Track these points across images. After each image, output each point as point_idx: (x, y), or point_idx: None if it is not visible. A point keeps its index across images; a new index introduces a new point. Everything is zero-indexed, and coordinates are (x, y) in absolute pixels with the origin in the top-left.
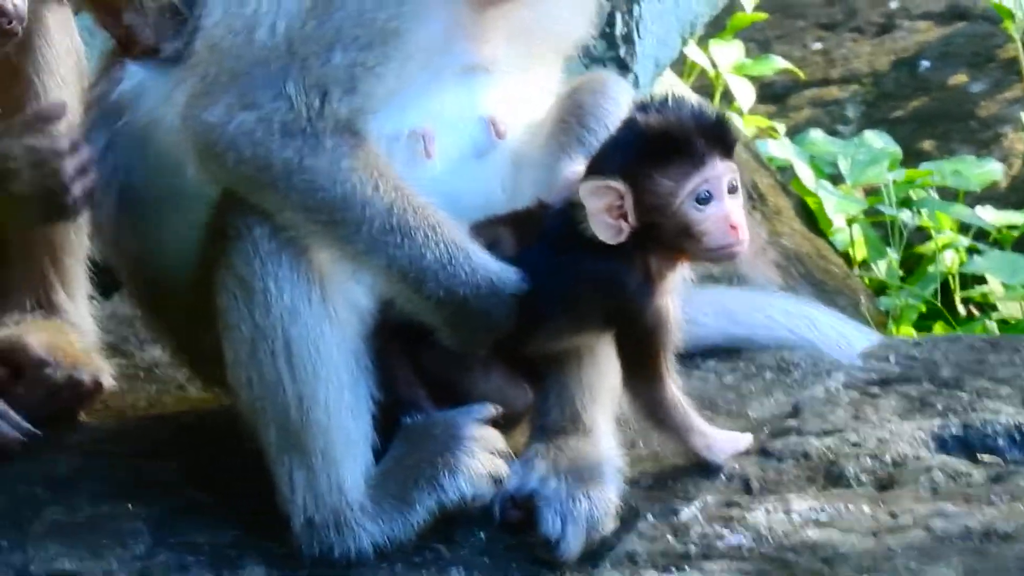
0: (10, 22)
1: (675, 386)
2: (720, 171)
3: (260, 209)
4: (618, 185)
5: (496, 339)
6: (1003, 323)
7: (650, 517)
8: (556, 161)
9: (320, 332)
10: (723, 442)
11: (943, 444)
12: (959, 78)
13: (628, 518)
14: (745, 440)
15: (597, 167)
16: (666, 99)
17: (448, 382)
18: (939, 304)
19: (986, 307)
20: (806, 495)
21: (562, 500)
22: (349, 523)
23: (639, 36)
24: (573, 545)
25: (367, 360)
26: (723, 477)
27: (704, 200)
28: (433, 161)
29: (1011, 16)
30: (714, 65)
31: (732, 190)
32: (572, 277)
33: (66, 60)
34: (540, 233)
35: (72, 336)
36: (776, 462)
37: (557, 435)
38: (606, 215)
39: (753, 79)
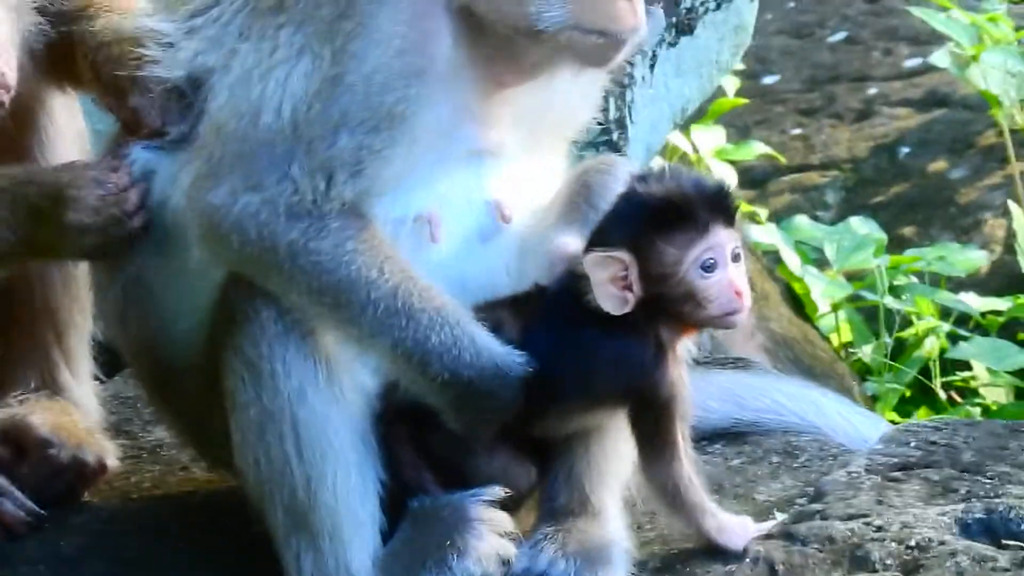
0: None
1: (691, 464)
2: (723, 239)
3: (267, 291)
4: (623, 255)
5: (503, 422)
6: (985, 409)
7: None
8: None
9: (327, 413)
10: (735, 527)
11: (967, 529)
12: (939, 164)
13: None
14: (757, 527)
15: (599, 239)
16: (664, 169)
17: (453, 464)
18: (930, 386)
19: (967, 392)
20: None
21: None
22: None
23: (631, 121)
24: None
25: (374, 441)
26: (748, 561)
27: (709, 268)
28: (439, 245)
29: (998, 103)
30: (695, 149)
31: (735, 258)
32: (584, 355)
33: (69, 141)
34: (542, 313)
35: (76, 416)
36: (801, 546)
37: (566, 517)
38: (611, 286)
39: (734, 164)
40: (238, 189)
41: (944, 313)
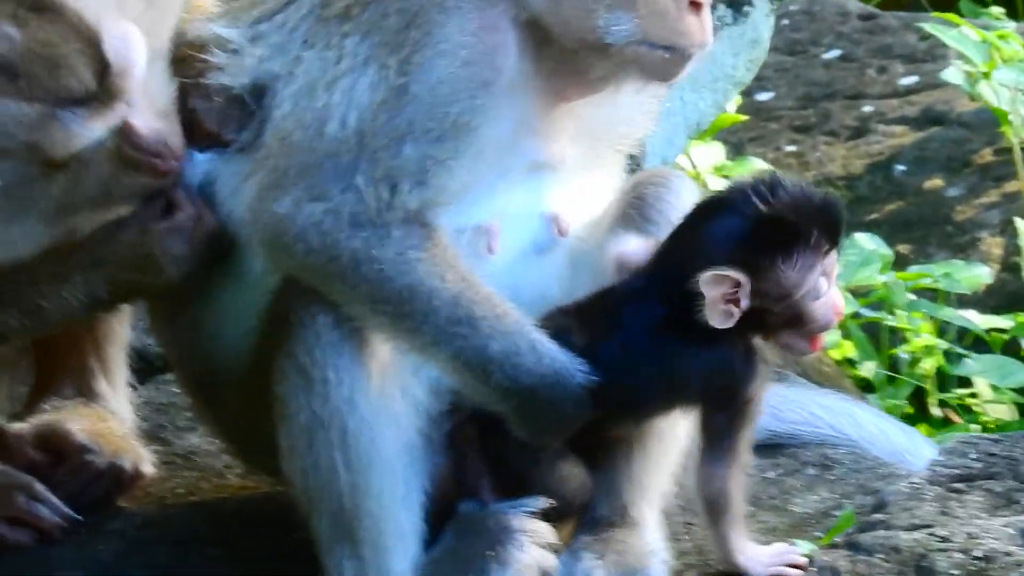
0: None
1: (743, 476)
2: (834, 260)
3: (324, 298)
4: (738, 276)
5: (568, 433)
6: (983, 427)
7: None
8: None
9: (377, 424)
10: (759, 553)
11: None
12: (935, 182)
13: None
14: (781, 556)
15: (706, 254)
16: (776, 184)
17: (516, 473)
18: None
19: (961, 411)
20: None
21: None
22: None
23: (648, 134)
24: None
25: (421, 452)
26: (815, 570)
27: (819, 290)
28: (495, 256)
29: (1007, 119)
30: (694, 166)
31: (835, 273)
32: (673, 364)
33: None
34: (615, 320)
35: (113, 423)
36: (866, 555)
37: (604, 527)
38: (721, 303)
39: (732, 180)
40: (303, 199)
41: (941, 331)
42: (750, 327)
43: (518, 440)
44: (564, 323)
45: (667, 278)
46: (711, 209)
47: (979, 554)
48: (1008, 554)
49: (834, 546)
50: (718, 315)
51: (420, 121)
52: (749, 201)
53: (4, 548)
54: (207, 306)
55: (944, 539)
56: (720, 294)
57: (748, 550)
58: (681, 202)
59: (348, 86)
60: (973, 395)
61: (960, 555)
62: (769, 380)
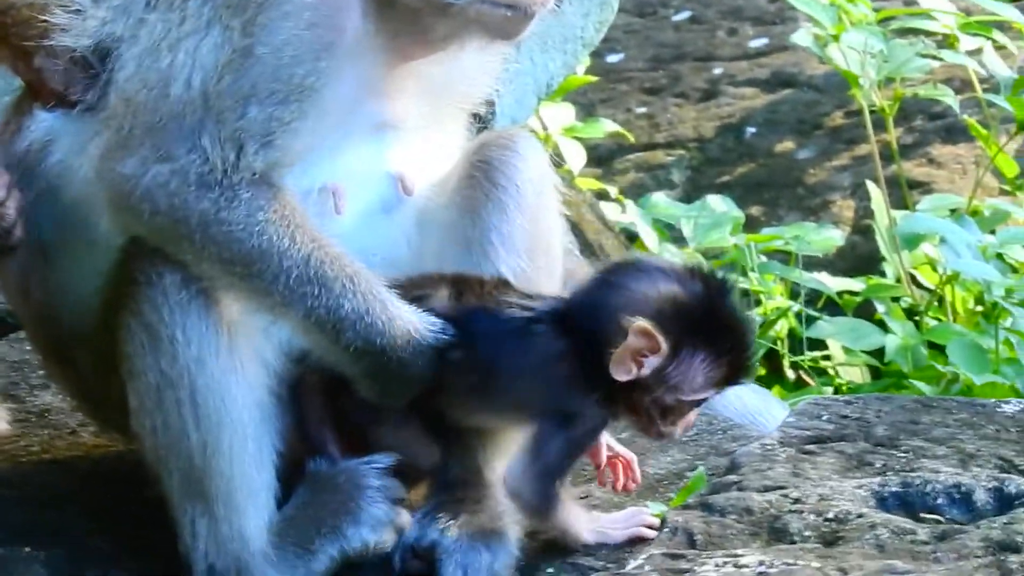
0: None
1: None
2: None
3: (172, 257)
4: (664, 345)
5: (414, 393)
6: (836, 389)
7: (562, 571)
8: (463, 218)
9: (226, 383)
10: (608, 522)
11: (883, 502)
12: (786, 145)
13: (528, 570)
14: (634, 521)
15: (653, 311)
16: (741, 306)
17: (360, 430)
18: (781, 367)
19: (817, 372)
20: (752, 550)
21: (463, 552)
22: (251, 570)
23: (497, 95)
24: None
25: (272, 411)
26: (667, 530)
27: (695, 407)
28: (342, 217)
29: (857, 82)
30: (544, 127)
31: None
32: (533, 368)
33: None
34: (497, 309)
35: None
36: (720, 516)
37: (459, 488)
38: (630, 357)
39: (582, 141)
40: (148, 160)
41: (793, 294)
42: (626, 388)
43: (362, 399)
44: (433, 287)
45: (590, 304)
46: (675, 276)
47: (831, 515)
48: (861, 515)
49: (687, 507)
50: (620, 364)
51: (264, 83)
52: (720, 292)
53: None
54: (55, 266)
55: (797, 500)
56: (637, 348)
57: (594, 524)
58: (528, 165)
59: (192, 47)
60: (827, 357)
61: (813, 516)
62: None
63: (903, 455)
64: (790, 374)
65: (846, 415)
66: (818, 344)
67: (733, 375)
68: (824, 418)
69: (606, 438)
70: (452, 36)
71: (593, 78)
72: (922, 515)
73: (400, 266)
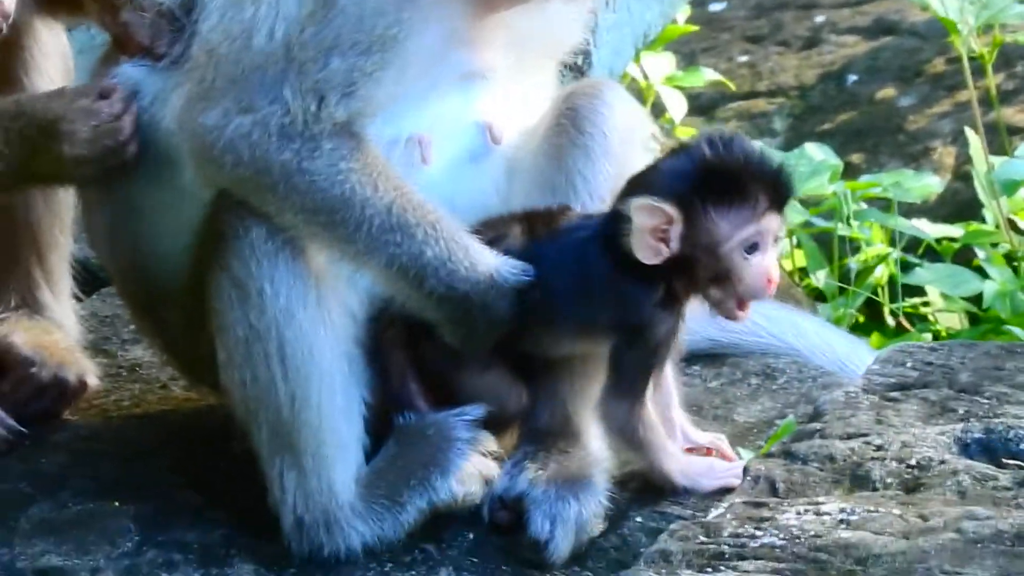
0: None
1: (653, 407)
2: (773, 224)
3: (258, 210)
4: (672, 211)
5: (499, 337)
6: (935, 335)
7: (650, 520)
8: (550, 165)
9: (314, 334)
10: (698, 470)
11: (966, 448)
12: (887, 92)
13: (617, 520)
14: (728, 473)
15: (647, 185)
16: (734, 139)
17: (444, 380)
18: (881, 313)
19: (916, 319)
20: (834, 497)
21: (551, 502)
22: (339, 523)
23: (595, 46)
24: (562, 547)
25: (360, 362)
26: (749, 479)
27: (751, 250)
28: (430, 167)
29: (956, 29)
30: (646, 76)
31: (776, 241)
32: (591, 287)
33: (54, 60)
34: (557, 235)
35: (57, 335)
36: (802, 464)
37: (547, 438)
38: (650, 235)
39: (683, 90)
40: (231, 111)
41: (894, 240)
42: (677, 274)
43: (445, 347)
44: (507, 227)
45: (613, 207)
46: (671, 152)
47: (913, 462)
48: (943, 462)
49: (770, 456)
50: (644, 247)
51: (347, 33)
52: (700, 148)
53: None
54: (143, 221)
55: (879, 448)
56: (650, 226)
57: (687, 468)
58: (614, 113)
59: None
60: (926, 304)
61: (895, 463)
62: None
63: (986, 401)
64: (890, 321)
65: (930, 362)
66: (918, 291)
67: (764, 201)
68: (908, 365)
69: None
70: None
71: (694, 27)
72: (1005, 461)
73: (489, 213)
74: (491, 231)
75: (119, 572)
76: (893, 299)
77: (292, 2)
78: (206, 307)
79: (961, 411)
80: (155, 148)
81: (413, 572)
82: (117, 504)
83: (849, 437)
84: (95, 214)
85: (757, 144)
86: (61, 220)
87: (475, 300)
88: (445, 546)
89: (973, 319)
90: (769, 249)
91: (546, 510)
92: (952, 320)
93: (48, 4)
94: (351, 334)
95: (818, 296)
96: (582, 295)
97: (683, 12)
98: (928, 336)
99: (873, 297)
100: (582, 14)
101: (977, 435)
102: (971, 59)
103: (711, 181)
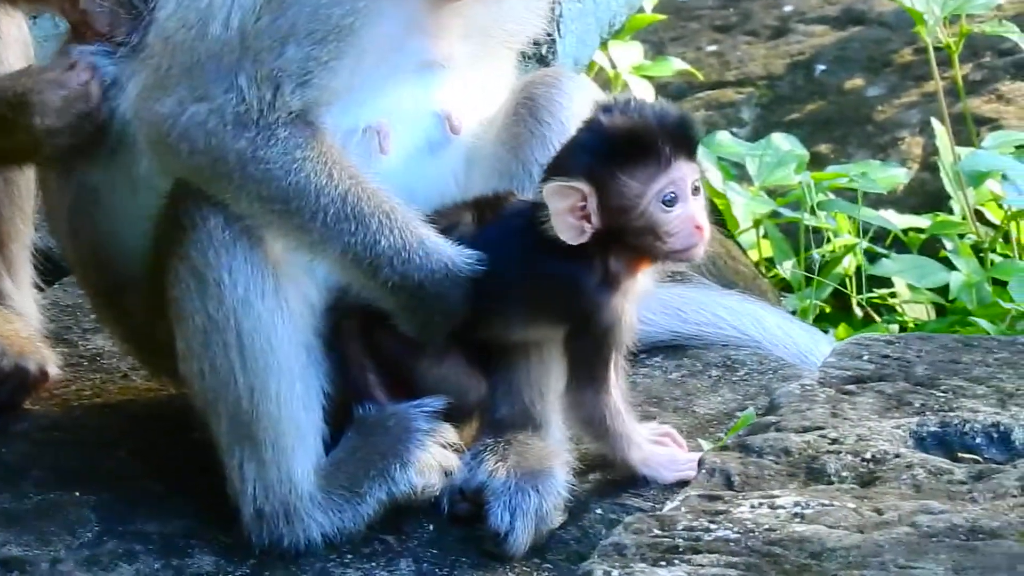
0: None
1: (620, 395)
2: (685, 172)
3: (215, 199)
4: (582, 186)
5: (454, 325)
6: (902, 326)
7: (610, 512)
8: (508, 154)
9: (272, 324)
10: (660, 460)
11: (922, 442)
12: (855, 82)
13: (577, 512)
14: (689, 465)
15: (560, 168)
16: (629, 101)
17: (402, 369)
18: (848, 304)
19: (884, 309)
20: (789, 490)
21: (511, 494)
22: (299, 514)
23: (560, 35)
24: (521, 539)
25: (318, 353)
26: (704, 471)
27: (670, 202)
28: (388, 156)
29: (922, 19)
30: (614, 65)
31: (695, 191)
32: (531, 274)
33: (14, 48)
34: (498, 221)
35: (18, 324)
36: (757, 457)
37: (507, 430)
38: (569, 216)
39: (651, 80)
40: (186, 99)
41: (862, 231)
42: (610, 247)
43: (402, 337)
44: (458, 215)
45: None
46: (576, 132)
47: (868, 456)
48: (898, 456)
49: (726, 449)
50: (567, 229)
51: (303, 23)
52: (596, 117)
53: None
54: (102, 210)
55: (835, 441)
56: (567, 207)
57: (649, 459)
58: (572, 103)
59: None
60: (893, 295)
61: (850, 457)
62: (638, 306)
63: (942, 395)
64: (858, 312)
65: (887, 355)
66: (885, 282)
67: (669, 150)
68: (865, 358)
69: None
70: None
71: (662, 16)
72: (960, 455)
73: (448, 203)
74: (444, 220)
75: (79, 562)
76: (860, 290)
77: None
78: (164, 296)
79: (917, 404)
80: (112, 135)
81: (373, 563)
82: (78, 494)
83: (805, 430)
84: (55, 202)
85: (655, 102)
86: (22, 209)
87: (429, 289)
88: (405, 537)
89: (940, 310)
90: (689, 198)
91: (506, 501)
92: (919, 311)
93: None
94: (310, 324)
95: (785, 287)
96: (525, 282)
97: (651, 1)
98: (895, 327)
99: (840, 288)
100: (540, 4)
101: (933, 429)
102: (938, 49)
103: (612, 146)
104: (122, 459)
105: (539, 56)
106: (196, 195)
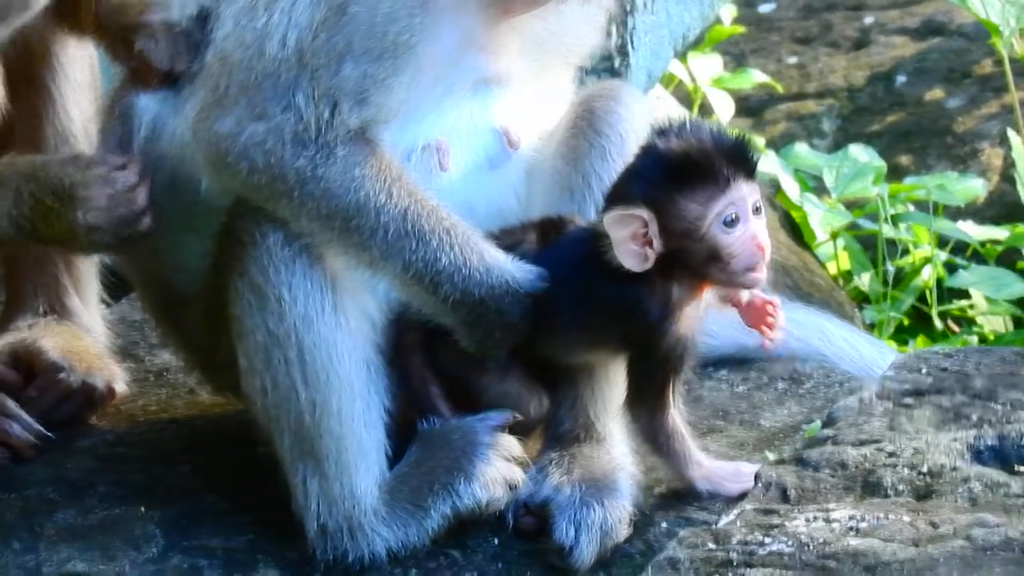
0: None
1: (678, 414)
2: (745, 193)
3: (275, 216)
4: (642, 213)
5: (514, 341)
6: (982, 338)
7: (676, 525)
8: (568, 166)
9: (333, 340)
10: (721, 475)
11: (979, 455)
12: (935, 93)
13: (642, 525)
14: (749, 477)
15: (619, 196)
16: (684, 123)
17: (464, 383)
18: (927, 314)
19: (963, 321)
20: (845, 504)
21: (575, 508)
22: (363, 529)
23: (633, 48)
24: (586, 553)
25: (379, 368)
26: (760, 485)
27: (731, 223)
28: (448, 173)
29: (997, 31)
30: (693, 78)
31: (756, 211)
32: (592, 300)
33: (81, 67)
34: (561, 244)
35: (86, 341)
36: (813, 471)
37: (571, 443)
38: (632, 243)
39: (731, 92)
40: (244, 118)
41: (941, 242)
42: (673, 272)
43: (463, 352)
44: (523, 234)
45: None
46: (633, 158)
47: (925, 469)
48: (954, 469)
49: (782, 462)
50: (630, 256)
51: (359, 40)
52: (654, 142)
53: None
54: (162, 229)
55: (891, 454)
56: (628, 234)
57: (710, 474)
58: (631, 115)
59: (288, 5)
60: (972, 307)
61: (907, 470)
62: (699, 332)
63: (999, 407)
64: (938, 324)
65: (945, 368)
66: (965, 294)
67: (726, 172)
68: (923, 371)
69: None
70: None
71: (741, 28)
72: (1017, 468)
73: (509, 218)
74: (508, 238)
75: None
76: (940, 302)
77: (305, 9)
78: (225, 313)
79: (975, 417)
80: (174, 160)
81: None
82: (143, 509)
83: (862, 443)
84: (134, 246)
85: (711, 124)
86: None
87: (490, 305)
88: (470, 551)
89: (1018, 322)
90: (750, 218)
91: (571, 516)
92: (997, 323)
93: (70, 24)
94: (370, 340)
95: (863, 299)
96: (586, 308)
97: (730, 13)
98: (974, 339)
99: (917, 305)
100: (597, 17)
101: (990, 442)
102: (1015, 61)
103: (670, 169)
104: (186, 474)
105: (612, 69)
106: (255, 212)
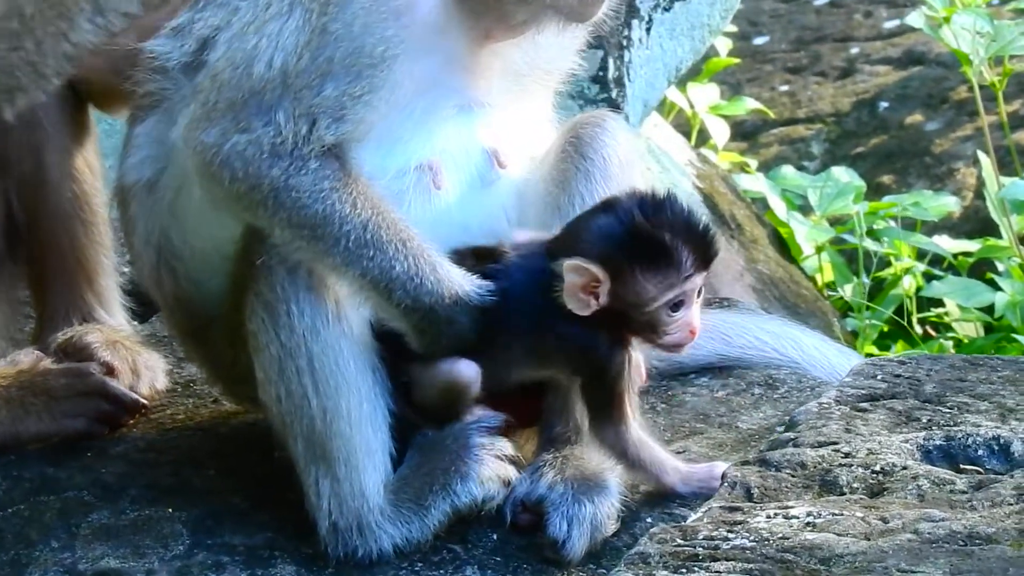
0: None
1: (640, 426)
2: (697, 283)
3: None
4: (600, 272)
5: (462, 348)
6: (957, 343)
7: (660, 521)
8: (556, 188)
9: (339, 348)
10: (699, 476)
11: (928, 455)
12: (915, 118)
13: (629, 521)
14: (718, 470)
15: (583, 241)
16: (666, 201)
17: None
18: (904, 324)
19: (941, 327)
20: (803, 501)
21: (568, 505)
22: (371, 526)
23: (629, 80)
24: (578, 546)
25: (383, 374)
26: (726, 485)
27: (676, 307)
28: (442, 191)
29: (968, 60)
30: (691, 105)
31: (699, 294)
32: (544, 330)
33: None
34: (517, 270)
35: (125, 333)
36: (775, 471)
37: (563, 445)
38: (580, 292)
39: (727, 118)
40: (229, 130)
41: (920, 255)
42: (608, 321)
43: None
44: (459, 261)
45: (552, 256)
46: (604, 206)
47: (878, 468)
48: (905, 468)
49: (747, 463)
50: (575, 302)
51: (339, 58)
52: (631, 211)
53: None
54: (183, 258)
55: (847, 455)
56: (580, 283)
57: (688, 478)
58: (615, 140)
59: (275, 30)
60: (947, 314)
61: (861, 469)
62: (642, 355)
63: (948, 411)
64: (918, 329)
65: (899, 374)
66: (941, 303)
67: (690, 265)
68: (878, 377)
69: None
70: (530, 21)
71: (735, 60)
72: (963, 466)
73: (503, 236)
74: (480, 259)
75: (172, 573)
76: (919, 310)
77: (290, 33)
78: (243, 331)
79: (924, 420)
80: (190, 201)
81: (441, 570)
82: (170, 510)
83: (820, 445)
84: (140, 257)
85: (686, 205)
86: (103, 245)
87: (440, 313)
88: (471, 546)
89: (989, 328)
90: (693, 304)
91: (563, 512)
92: (969, 329)
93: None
94: (373, 346)
95: (848, 308)
96: (537, 335)
97: (727, 45)
98: (950, 344)
99: (894, 317)
100: (573, 45)
101: (938, 442)
102: (985, 88)
103: (639, 245)
104: (211, 477)
105: (610, 99)
106: (260, 233)
